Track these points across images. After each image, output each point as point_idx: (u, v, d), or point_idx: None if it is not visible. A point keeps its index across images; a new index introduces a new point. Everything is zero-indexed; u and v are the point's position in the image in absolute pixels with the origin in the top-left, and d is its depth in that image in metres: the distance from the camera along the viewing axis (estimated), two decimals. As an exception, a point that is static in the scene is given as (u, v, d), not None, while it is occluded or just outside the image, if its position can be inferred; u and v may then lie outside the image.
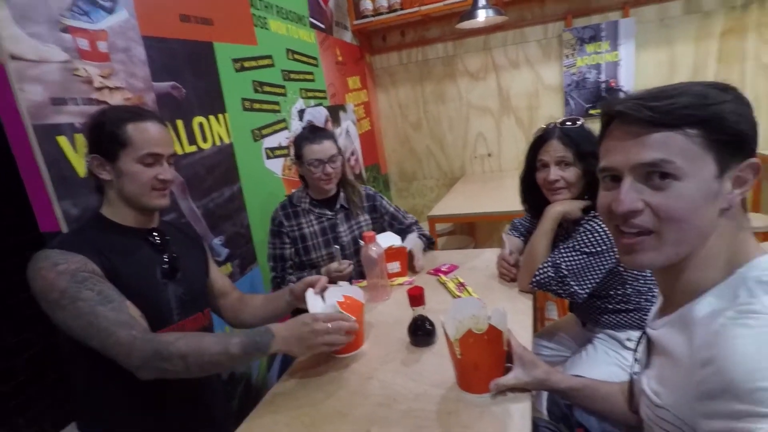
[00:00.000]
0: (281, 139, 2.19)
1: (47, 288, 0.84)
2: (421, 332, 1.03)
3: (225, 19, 1.82)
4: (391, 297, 1.36)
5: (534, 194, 1.35)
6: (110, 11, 1.32)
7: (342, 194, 1.68)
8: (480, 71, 3.21)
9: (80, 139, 1.19)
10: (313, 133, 1.62)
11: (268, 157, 2.09)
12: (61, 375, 2.31)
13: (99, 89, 1.26)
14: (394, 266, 1.45)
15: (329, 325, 0.96)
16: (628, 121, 0.61)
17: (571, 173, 1.23)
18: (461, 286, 1.35)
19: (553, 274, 1.20)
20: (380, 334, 1.17)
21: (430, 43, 3.27)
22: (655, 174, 0.59)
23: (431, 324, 1.04)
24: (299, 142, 1.61)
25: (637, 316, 1.24)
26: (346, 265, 1.41)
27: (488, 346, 0.86)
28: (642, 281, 1.23)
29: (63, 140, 1.16)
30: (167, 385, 0.93)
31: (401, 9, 2.95)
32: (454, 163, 3.48)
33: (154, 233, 1.07)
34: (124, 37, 1.36)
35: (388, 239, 1.52)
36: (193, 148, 1.62)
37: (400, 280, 1.46)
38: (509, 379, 0.86)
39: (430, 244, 1.72)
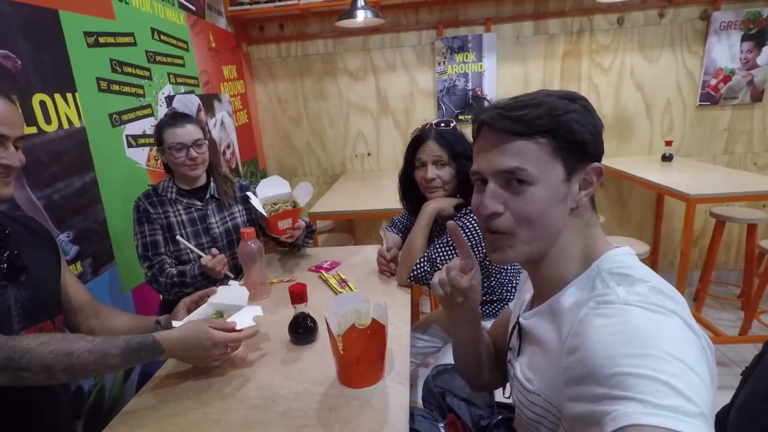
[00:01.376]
0: (146, 126, 1.99)
1: None
2: (302, 330, 1.03)
3: (74, -15, 1.60)
4: (270, 295, 1.33)
5: (412, 192, 1.44)
6: None
7: (213, 184, 1.60)
8: (359, 71, 3.30)
9: None
10: (174, 118, 1.52)
11: (130, 146, 1.88)
12: None
13: None
14: (285, 223, 1.46)
15: (228, 339, 0.93)
16: (492, 129, 0.67)
17: (446, 172, 1.34)
18: (343, 282, 1.38)
19: (428, 268, 1.29)
20: (258, 334, 1.12)
21: (309, 39, 3.26)
22: (513, 180, 0.65)
23: (313, 321, 1.05)
24: (160, 126, 1.50)
25: (499, 306, 1.40)
26: (220, 258, 1.34)
27: (371, 340, 0.88)
28: (504, 274, 1.39)
29: None
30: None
31: (279, 0, 2.89)
32: (334, 161, 3.53)
33: None
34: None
35: (273, 184, 1.55)
36: (33, 130, 1.39)
37: (279, 278, 1.45)
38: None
39: (310, 233, 1.72)
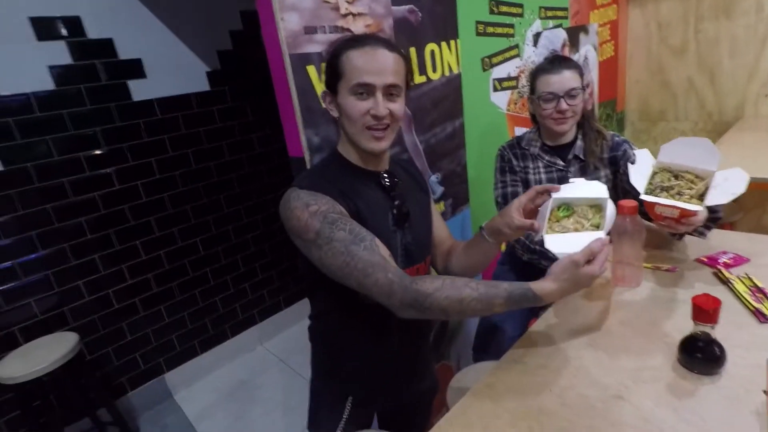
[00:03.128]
0: (511, 68, 1.93)
1: (303, 228, 0.86)
2: (701, 355, 0.76)
3: (467, -75, 1.59)
4: (642, 284, 1.07)
5: None
6: (359, -72, 1.24)
7: (579, 142, 1.37)
8: (804, -33, 2.23)
9: (324, 68, 1.21)
10: (551, 63, 1.32)
11: (495, 90, 1.88)
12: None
13: (344, 16, 1.23)
14: (668, 211, 0.96)
15: (597, 267, 0.79)
16: None
17: None
18: (759, 293, 0.95)
19: None
20: (631, 334, 0.91)
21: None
22: None
23: (720, 349, 0.75)
24: (534, 73, 1.35)
25: None
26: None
27: None
28: None
29: (311, 69, 1.18)
30: (395, 328, 0.92)
31: None
32: (726, 102, 2.64)
33: (385, 175, 1.02)
34: (369, -43, 1.28)
35: (693, 154, 1.01)
36: (423, 79, 1.52)
37: (656, 264, 1.13)
38: None
39: (714, 220, 1.09)
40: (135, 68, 2.01)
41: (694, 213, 0.94)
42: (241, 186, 2.44)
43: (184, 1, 2.10)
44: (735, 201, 0.99)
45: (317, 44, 1.18)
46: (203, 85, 2.23)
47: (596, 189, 0.91)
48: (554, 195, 0.91)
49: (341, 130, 0.97)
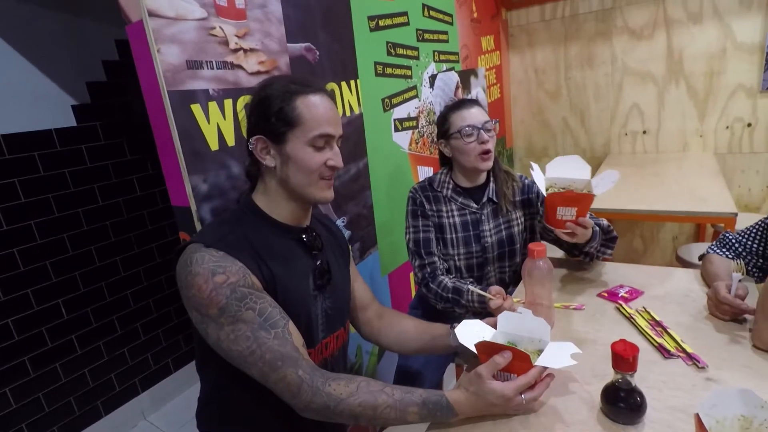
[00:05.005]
0: (410, 109, 1.95)
1: (204, 302, 0.73)
2: (623, 405, 0.74)
3: (362, -32, 1.59)
4: (554, 324, 1.07)
5: None
6: (248, -41, 1.15)
7: (492, 185, 1.39)
8: (645, 28, 2.63)
9: (213, 107, 1.07)
10: (460, 103, 1.35)
11: (396, 130, 1.87)
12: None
13: (234, 51, 1.11)
14: (566, 212, 1.10)
15: (524, 399, 0.75)
16: None
17: None
18: (658, 327, 0.99)
19: None
20: (553, 384, 0.85)
21: (582, -5, 2.75)
22: None
23: (641, 396, 0.75)
24: (444, 114, 1.36)
25: None
26: (510, 302, 1.07)
27: None
28: None
29: (197, 108, 1.04)
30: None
31: (553, -47, 2.47)
32: (596, 141, 2.98)
33: (308, 233, 0.92)
34: (260, -9, 1.19)
35: (569, 165, 1.20)
36: (324, 119, 1.45)
37: (563, 302, 1.15)
38: None
39: (610, 241, 1.28)
40: (-29, 100, 1.66)
41: (590, 196, 1.08)
42: (118, 234, 2.11)
43: (44, 25, 1.80)
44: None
45: (203, 80, 1.04)
46: (68, 120, 1.92)
47: (541, 329, 0.86)
48: (500, 328, 0.90)
49: (270, 182, 0.86)
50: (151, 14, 0.93)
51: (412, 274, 2.02)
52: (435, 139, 1.46)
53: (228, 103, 1.10)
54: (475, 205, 1.36)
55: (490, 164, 1.32)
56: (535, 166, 1.20)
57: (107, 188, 2.06)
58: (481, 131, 1.28)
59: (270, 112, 0.81)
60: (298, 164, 0.82)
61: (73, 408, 1.99)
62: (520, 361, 0.78)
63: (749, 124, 2.50)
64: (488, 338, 0.87)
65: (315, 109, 0.82)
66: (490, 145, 1.30)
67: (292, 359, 0.73)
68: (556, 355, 0.79)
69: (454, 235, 1.35)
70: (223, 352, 0.75)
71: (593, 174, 1.18)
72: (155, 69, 0.96)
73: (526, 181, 1.41)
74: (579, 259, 1.34)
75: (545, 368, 0.80)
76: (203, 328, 0.75)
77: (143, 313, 2.23)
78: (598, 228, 1.22)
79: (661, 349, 0.92)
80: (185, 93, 1.00)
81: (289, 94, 0.82)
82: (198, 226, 1.05)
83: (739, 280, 0.98)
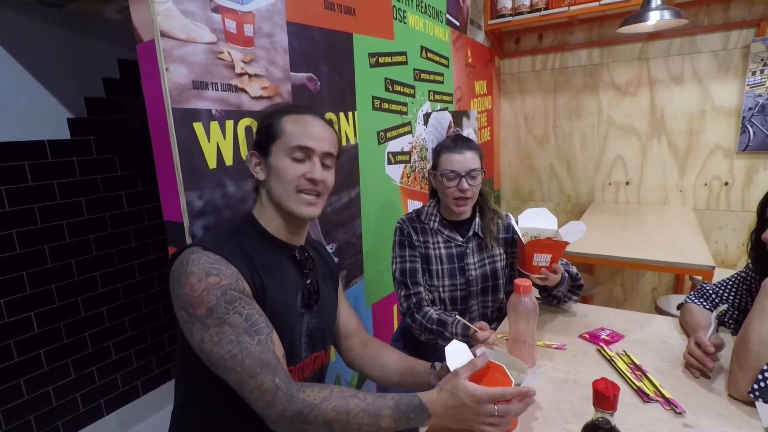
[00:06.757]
0: (404, 143, 2.01)
1: (194, 300, 0.73)
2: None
3: (367, 9, 1.67)
4: (536, 362, 1.07)
5: (760, 253, 1.00)
6: (260, -8, 1.21)
7: (477, 220, 1.43)
8: (630, 85, 2.77)
9: (215, 127, 1.09)
10: (455, 141, 1.39)
11: (389, 162, 1.92)
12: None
13: (239, 75, 1.15)
14: (542, 259, 1.16)
15: (496, 408, 0.73)
16: None
17: None
18: (638, 371, 1.00)
19: None
20: (531, 415, 0.88)
21: (571, 49, 2.90)
22: None
23: None
24: (438, 149, 1.40)
25: None
26: (494, 336, 1.11)
27: None
28: None
29: (199, 127, 1.06)
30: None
31: (546, 9, 2.62)
32: (581, 188, 3.07)
33: (301, 251, 0.93)
34: (270, 22, 1.24)
35: (539, 216, 1.30)
36: (320, 147, 1.48)
37: (545, 341, 1.17)
38: None
39: (577, 288, 1.38)
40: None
41: (564, 243, 1.15)
42: (100, 249, 2.08)
43: (48, 40, 1.84)
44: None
45: (207, 101, 1.07)
46: (62, 133, 1.93)
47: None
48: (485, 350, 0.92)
49: (263, 195, 0.90)
50: (163, 35, 0.96)
51: (395, 307, 2.02)
52: (426, 175, 1.50)
53: (229, 123, 1.13)
54: (460, 239, 1.38)
55: (465, 210, 1.36)
56: (509, 215, 1.37)
57: (94, 202, 2.04)
58: (464, 179, 1.31)
59: (260, 127, 0.89)
60: (277, 175, 0.85)
61: (32, 427, 1.89)
62: (500, 375, 0.80)
63: (726, 183, 2.61)
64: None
65: (300, 124, 0.86)
66: (470, 194, 1.33)
67: (271, 367, 0.73)
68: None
69: (439, 267, 1.37)
70: (204, 354, 0.74)
71: (560, 225, 1.26)
72: (162, 86, 0.99)
73: (511, 220, 1.44)
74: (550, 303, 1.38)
75: (526, 390, 0.79)
76: (188, 328, 0.75)
77: (117, 331, 2.17)
78: (567, 274, 1.29)
79: (640, 393, 0.93)
80: (189, 111, 1.03)
81: (280, 113, 0.88)
82: (189, 242, 1.04)
83: (717, 331, 1.01)
